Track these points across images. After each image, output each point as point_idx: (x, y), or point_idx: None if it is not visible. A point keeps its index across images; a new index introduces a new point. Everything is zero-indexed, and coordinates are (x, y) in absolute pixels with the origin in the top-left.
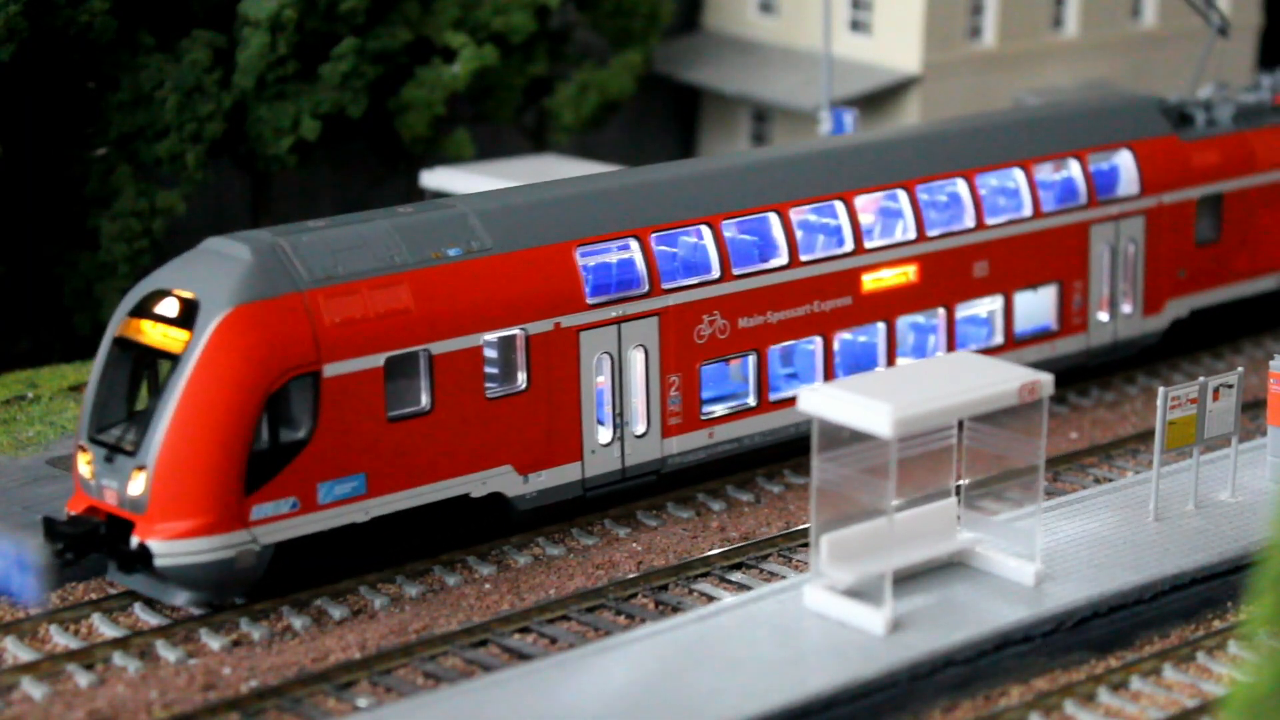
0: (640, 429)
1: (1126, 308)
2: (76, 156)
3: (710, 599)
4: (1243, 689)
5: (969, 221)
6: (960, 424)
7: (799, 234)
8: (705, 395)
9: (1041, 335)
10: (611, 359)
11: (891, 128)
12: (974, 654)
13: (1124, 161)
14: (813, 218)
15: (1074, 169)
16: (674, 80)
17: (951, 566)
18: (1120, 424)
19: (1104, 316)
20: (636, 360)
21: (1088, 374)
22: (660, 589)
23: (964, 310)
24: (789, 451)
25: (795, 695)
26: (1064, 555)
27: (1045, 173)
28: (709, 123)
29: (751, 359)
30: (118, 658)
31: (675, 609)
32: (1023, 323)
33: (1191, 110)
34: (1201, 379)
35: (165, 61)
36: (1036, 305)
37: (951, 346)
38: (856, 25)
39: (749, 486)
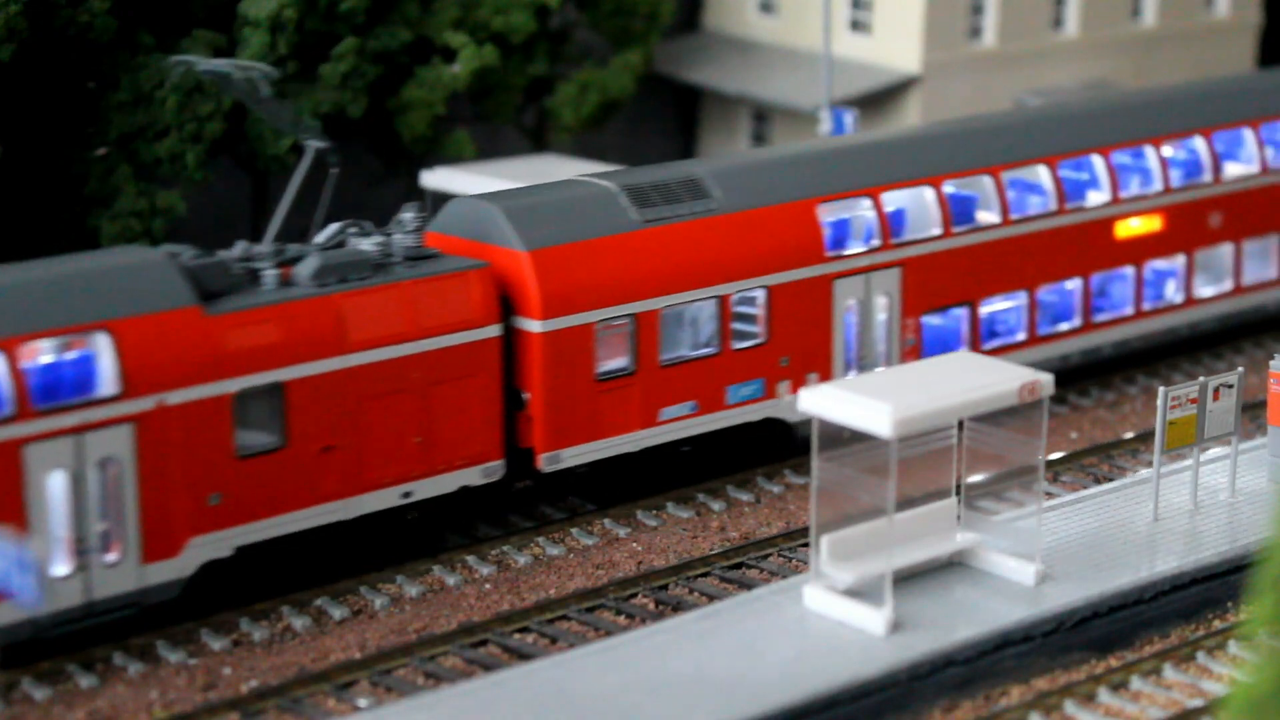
0: None
1: (113, 556)
2: (76, 156)
3: (710, 599)
4: (1243, 689)
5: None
6: (960, 424)
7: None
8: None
9: None
10: None
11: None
12: (974, 654)
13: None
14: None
15: None
16: (674, 80)
17: (951, 566)
18: (1120, 424)
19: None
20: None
21: (1087, 374)
22: (660, 589)
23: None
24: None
25: (795, 695)
26: (1064, 555)
27: None
28: (709, 123)
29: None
30: (118, 658)
31: (675, 609)
32: None
33: (245, 268)
34: (1201, 379)
35: (165, 61)
36: None
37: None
38: (856, 25)
39: (749, 486)
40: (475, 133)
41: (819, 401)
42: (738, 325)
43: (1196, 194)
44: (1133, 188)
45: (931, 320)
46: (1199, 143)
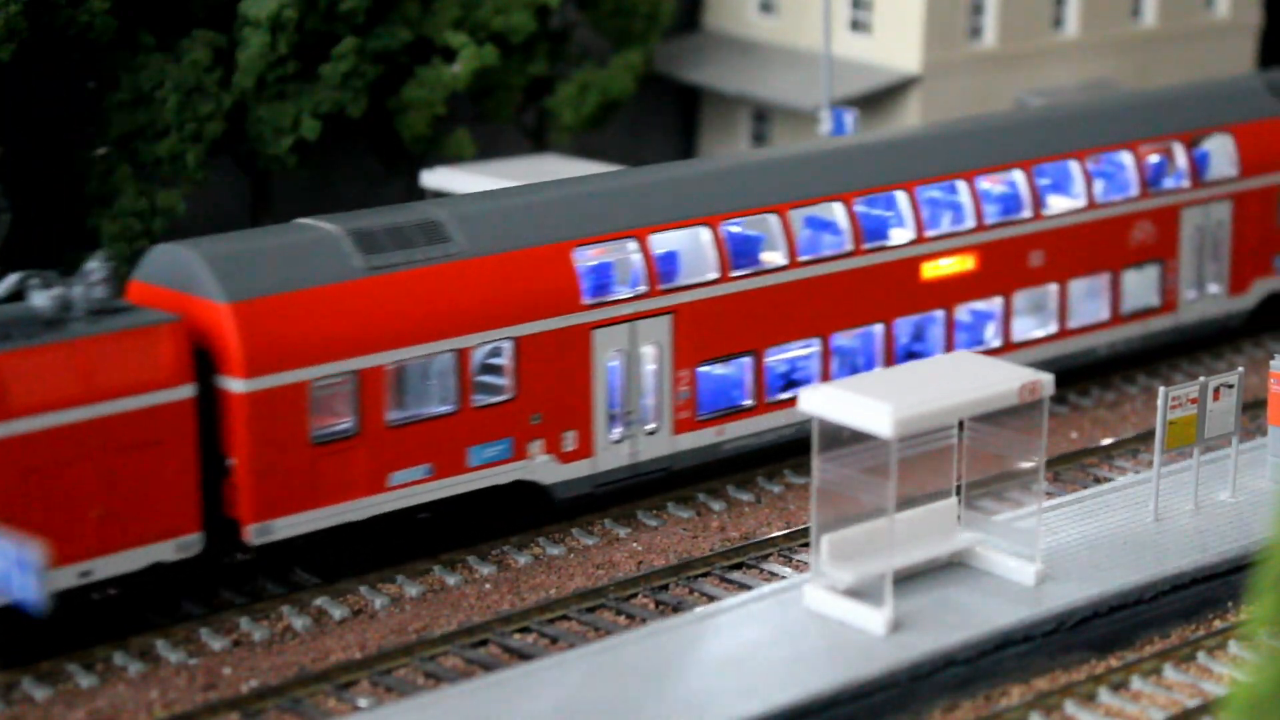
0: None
1: None
2: (76, 156)
3: (710, 599)
4: (1243, 689)
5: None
6: (960, 424)
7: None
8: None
9: None
10: None
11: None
12: (974, 654)
13: None
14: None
15: None
16: (674, 80)
17: (951, 566)
18: (1120, 424)
19: None
20: None
21: (1086, 374)
22: (660, 589)
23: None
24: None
25: (795, 695)
26: (1064, 555)
27: None
28: (709, 123)
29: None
30: (118, 658)
31: (675, 609)
32: None
33: None
34: (1201, 379)
35: (165, 61)
36: None
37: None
38: (856, 25)
39: (749, 486)
40: (475, 133)
41: (819, 401)
42: (483, 380)
43: (1014, 231)
44: (943, 225)
45: (710, 370)
46: (1018, 176)
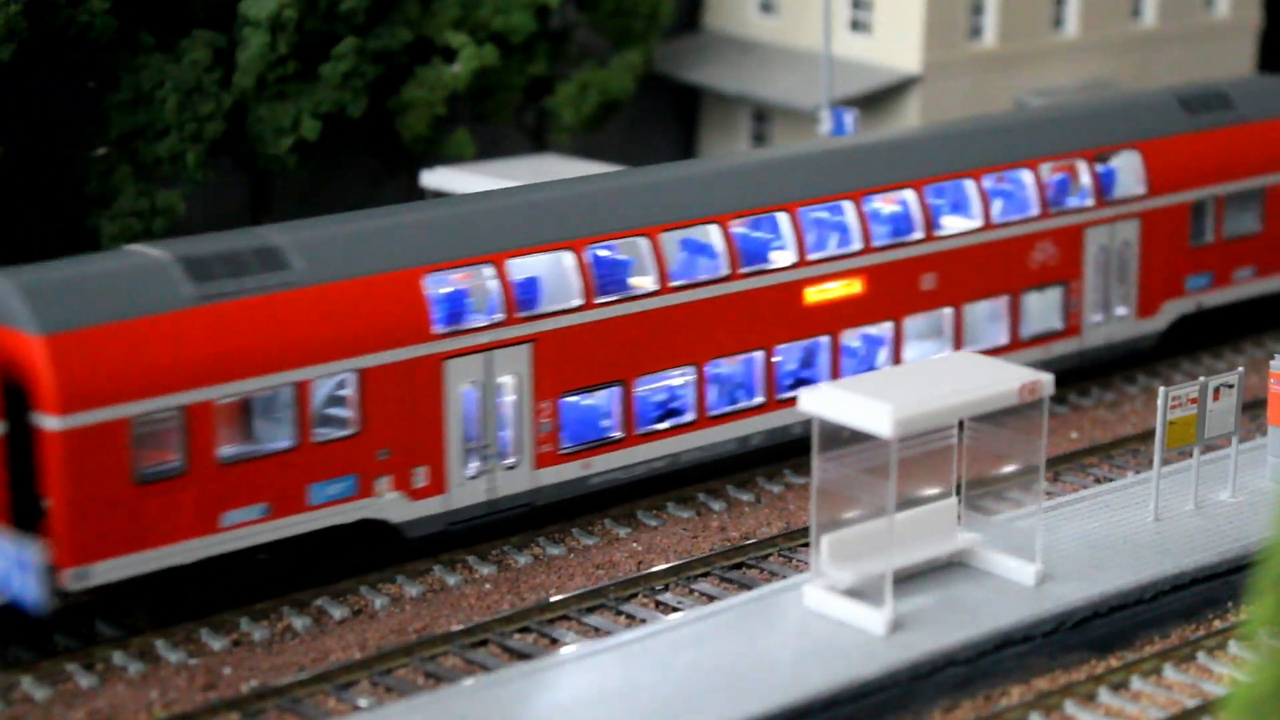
0: None
1: None
2: (76, 156)
3: (710, 599)
4: (1243, 689)
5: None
6: (960, 424)
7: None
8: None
9: None
10: None
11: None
12: (974, 654)
13: None
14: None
15: None
16: (674, 80)
17: (951, 566)
18: (1120, 424)
19: None
20: None
21: (1082, 375)
22: (660, 589)
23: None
24: (786, 452)
25: (795, 695)
26: (1064, 555)
27: None
28: (709, 123)
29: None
30: (118, 658)
31: (675, 609)
32: None
33: None
34: (1201, 379)
35: (165, 61)
36: None
37: None
38: (856, 25)
39: (749, 486)
40: (475, 133)
41: (819, 401)
42: (326, 413)
43: (905, 253)
44: (829, 247)
45: (576, 401)
46: (909, 196)
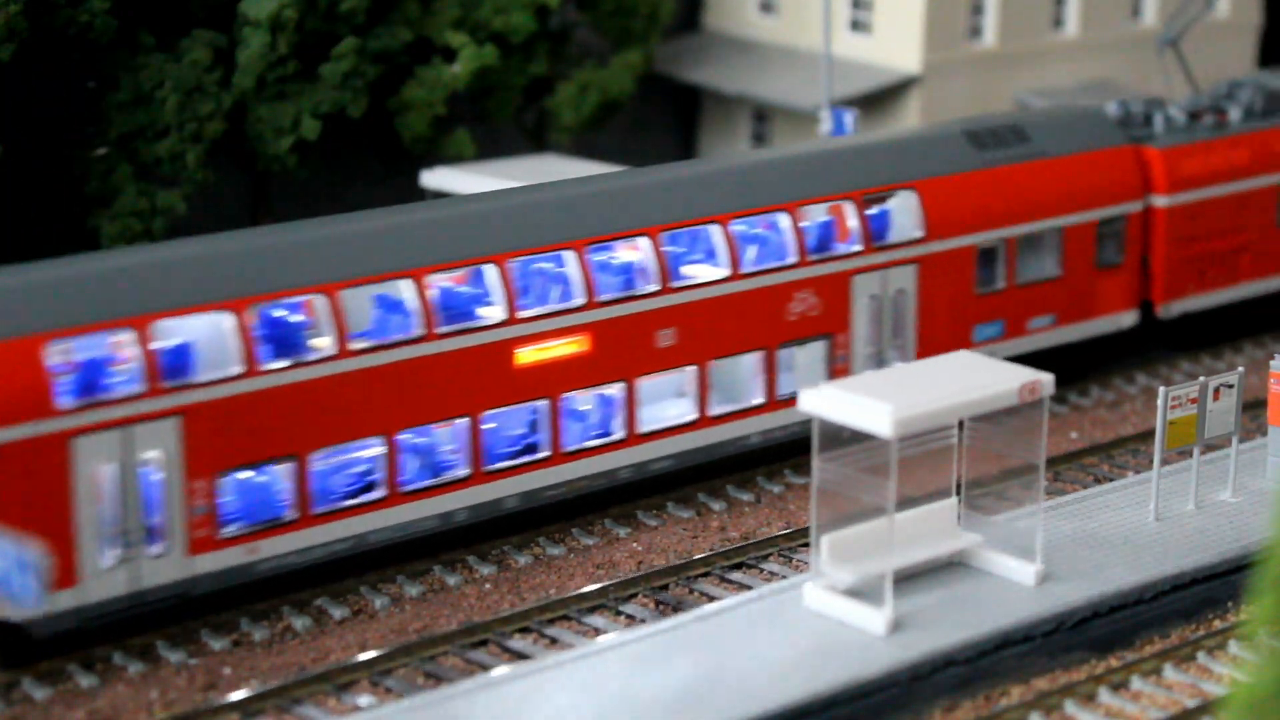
0: None
1: None
2: (76, 156)
3: (710, 599)
4: (1243, 689)
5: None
6: (960, 424)
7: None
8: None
9: None
10: None
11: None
12: (974, 654)
13: None
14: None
15: None
16: (674, 80)
17: (951, 566)
18: (1120, 424)
19: None
20: None
21: (1084, 374)
22: (660, 589)
23: None
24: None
25: (795, 695)
26: (1064, 555)
27: None
28: (709, 123)
29: None
30: (118, 658)
31: (675, 609)
32: None
33: None
34: (1201, 379)
35: (165, 61)
36: None
37: None
38: (856, 25)
39: (749, 486)
40: (475, 133)
41: (819, 401)
42: None
43: (637, 307)
44: (549, 301)
45: (240, 478)
46: (643, 244)
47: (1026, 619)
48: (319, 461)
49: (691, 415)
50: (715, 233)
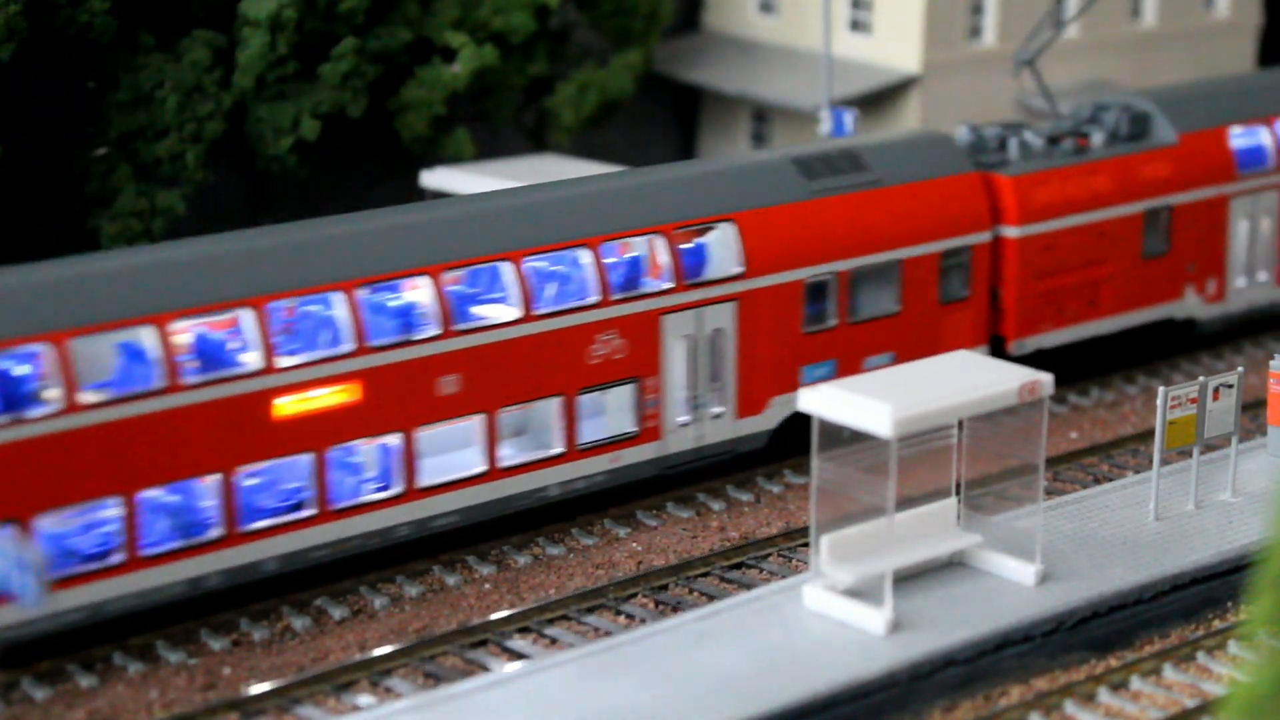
0: None
1: None
2: (76, 156)
3: (710, 599)
4: (1243, 689)
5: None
6: (960, 424)
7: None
8: None
9: None
10: None
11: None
12: (974, 654)
13: None
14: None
15: None
16: (674, 80)
17: (951, 566)
18: (1120, 424)
19: None
20: None
21: (1087, 374)
22: (660, 589)
23: None
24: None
25: (795, 695)
26: (1064, 555)
27: None
28: (709, 123)
29: None
30: (118, 658)
31: (675, 609)
32: None
33: None
34: (1201, 379)
35: (165, 61)
36: None
37: None
38: (856, 25)
39: (749, 486)
40: (475, 133)
41: (819, 401)
42: None
43: (415, 352)
44: (316, 347)
45: None
46: (423, 283)
47: (1026, 619)
48: (43, 523)
49: (480, 467)
50: (507, 270)
